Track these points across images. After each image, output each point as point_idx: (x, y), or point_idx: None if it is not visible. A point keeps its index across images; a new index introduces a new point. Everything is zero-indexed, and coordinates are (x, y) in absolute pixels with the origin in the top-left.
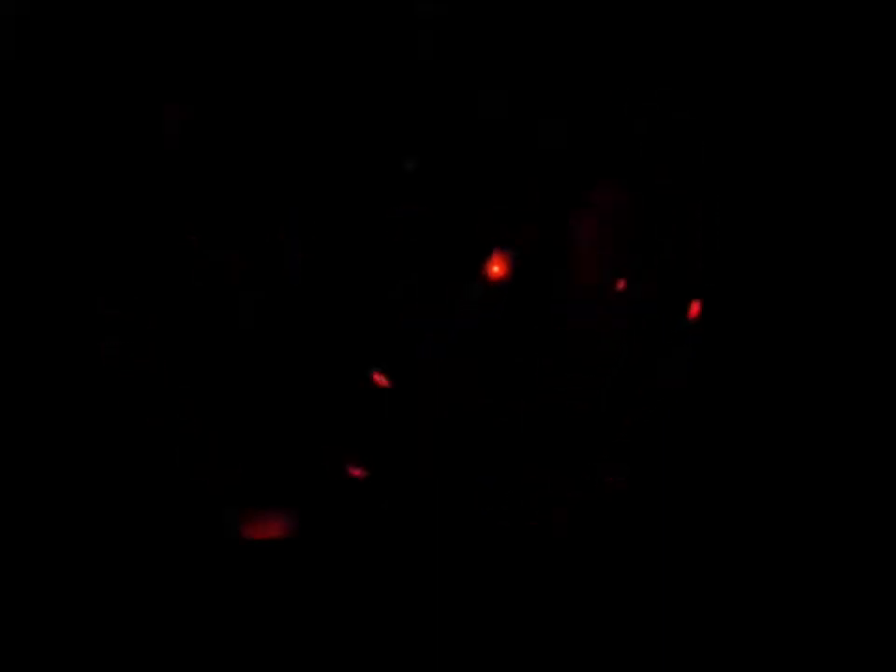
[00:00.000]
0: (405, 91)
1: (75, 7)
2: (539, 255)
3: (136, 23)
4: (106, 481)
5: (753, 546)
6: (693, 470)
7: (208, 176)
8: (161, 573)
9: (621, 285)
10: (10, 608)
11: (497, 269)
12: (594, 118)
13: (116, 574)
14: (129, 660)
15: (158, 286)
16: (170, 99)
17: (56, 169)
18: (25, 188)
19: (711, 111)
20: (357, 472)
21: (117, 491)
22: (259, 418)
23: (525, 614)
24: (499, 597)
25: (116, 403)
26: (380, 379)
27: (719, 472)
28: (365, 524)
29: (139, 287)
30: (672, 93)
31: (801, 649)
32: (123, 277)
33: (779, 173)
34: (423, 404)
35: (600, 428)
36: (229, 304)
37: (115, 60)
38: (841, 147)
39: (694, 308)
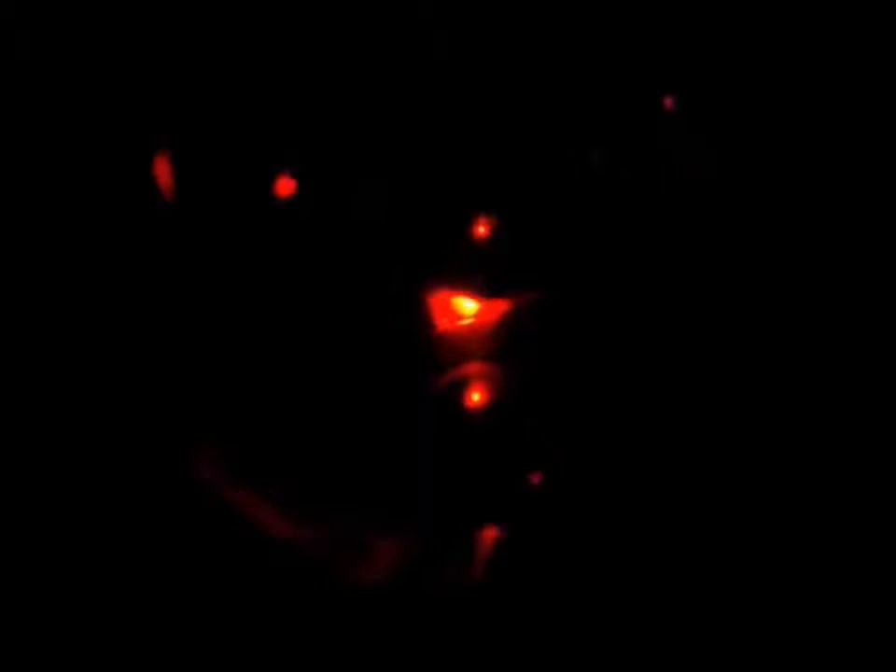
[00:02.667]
0: (415, 94)
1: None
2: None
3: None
4: (108, 481)
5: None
6: (693, 469)
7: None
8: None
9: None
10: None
11: (482, 229)
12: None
13: (119, 578)
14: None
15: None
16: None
17: (61, 169)
18: (31, 188)
19: (711, 113)
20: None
21: (119, 492)
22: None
23: (524, 615)
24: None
25: (117, 403)
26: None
27: (719, 471)
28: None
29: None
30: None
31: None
32: (123, 278)
33: (780, 175)
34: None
35: (596, 429)
36: (230, 305)
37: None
38: (843, 149)
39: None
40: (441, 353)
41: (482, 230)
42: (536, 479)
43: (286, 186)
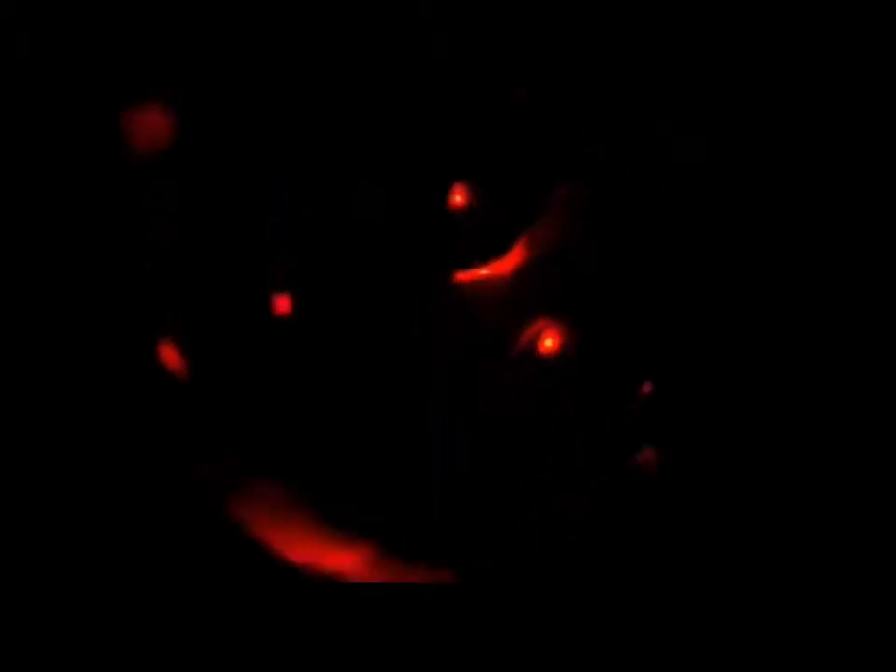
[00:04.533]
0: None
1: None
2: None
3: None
4: (107, 481)
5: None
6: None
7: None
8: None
9: None
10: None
11: (458, 198)
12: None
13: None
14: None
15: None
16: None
17: (64, 169)
18: (34, 187)
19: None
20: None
21: (118, 492)
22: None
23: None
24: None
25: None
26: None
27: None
28: None
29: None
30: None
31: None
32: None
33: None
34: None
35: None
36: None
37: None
38: (843, 148)
39: None
40: (478, 309)
41: (458, 198)
42: (647, 389)
43: (283, 304)
